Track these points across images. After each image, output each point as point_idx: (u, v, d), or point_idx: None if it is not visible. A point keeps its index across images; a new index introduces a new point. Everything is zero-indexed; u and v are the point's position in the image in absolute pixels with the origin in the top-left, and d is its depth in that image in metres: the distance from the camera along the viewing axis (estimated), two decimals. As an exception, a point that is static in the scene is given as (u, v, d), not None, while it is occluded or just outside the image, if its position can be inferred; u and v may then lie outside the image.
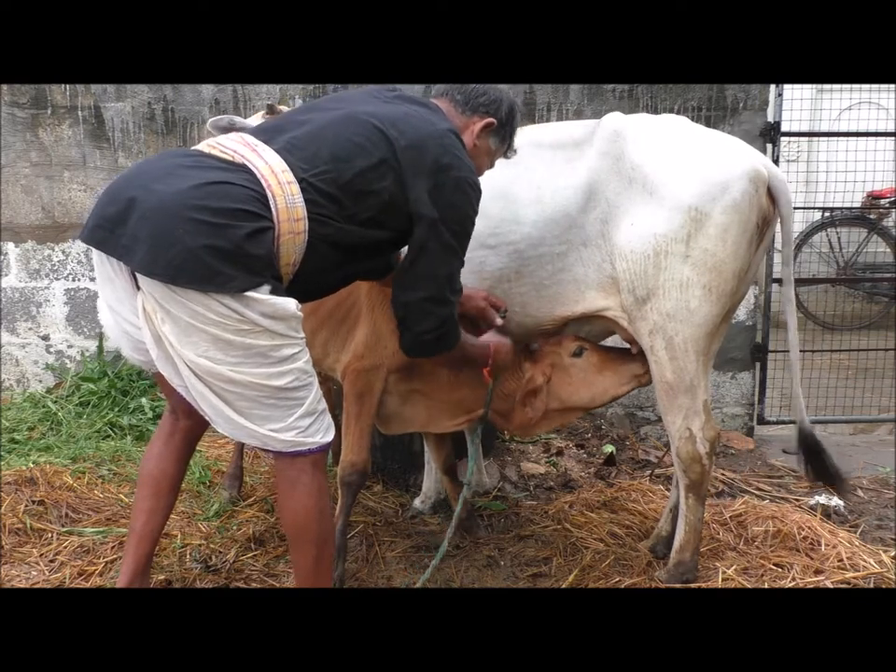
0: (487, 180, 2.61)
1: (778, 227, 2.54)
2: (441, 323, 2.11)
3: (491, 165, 2.31)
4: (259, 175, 1.81)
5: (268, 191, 1.80)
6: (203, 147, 1.91)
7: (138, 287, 1.83)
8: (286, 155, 1.87)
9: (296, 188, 1.83)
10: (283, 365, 1.85)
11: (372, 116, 1.95)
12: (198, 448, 3.60)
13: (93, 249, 1.87)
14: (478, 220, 2.58)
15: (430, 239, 2.01)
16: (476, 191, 2.09)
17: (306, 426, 1.92)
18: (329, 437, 1.99)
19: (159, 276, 1.73)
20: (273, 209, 1.80)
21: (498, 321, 2.49)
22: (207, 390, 1.85)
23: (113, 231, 1.76)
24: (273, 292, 1.81)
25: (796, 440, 2.67)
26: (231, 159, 1.85)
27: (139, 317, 1.85)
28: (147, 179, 1.79)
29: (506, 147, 2.29)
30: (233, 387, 1.84)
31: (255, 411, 1.87)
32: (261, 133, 1.95)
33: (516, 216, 2.53)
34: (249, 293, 1.76)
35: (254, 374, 1.82)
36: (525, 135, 2.66)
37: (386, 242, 2.05)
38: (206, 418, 1.94)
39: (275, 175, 1.82)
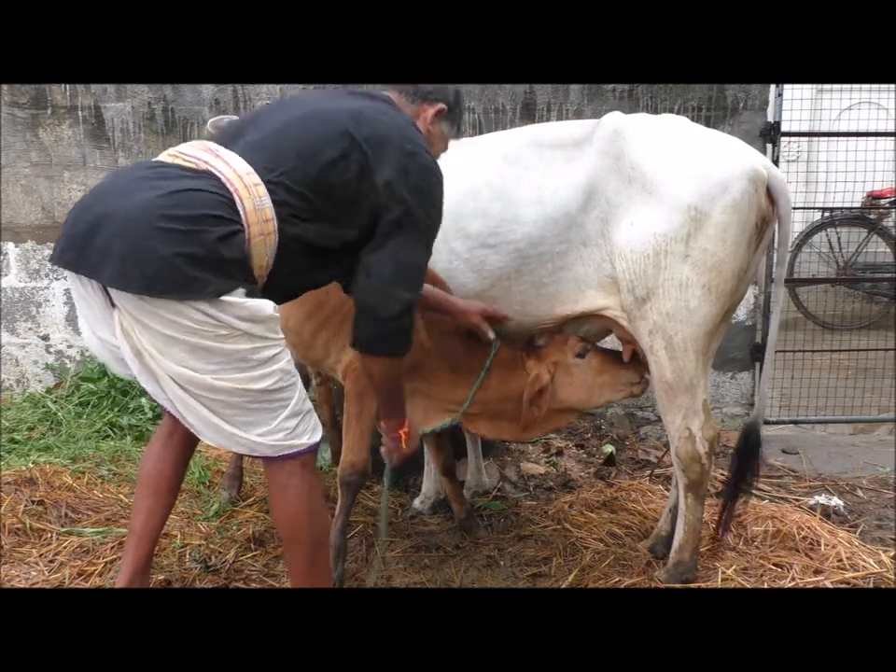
0: (487, 180, 2.62)
1: (777, 227, 2.55)
2: (403, 312, 2.01)
3: (445, 149, 2.33)
4: (224, 180, 1.80)
5: (235, 195, 1.80)
6: (165, 157, 1.89)
7: (113, 305, 1.81)
8: (249, 157, 1.86)
9: (262, 189, 1.83)
10: (265, 367, 1.85)
11: (333, 111, 1.95)
12: (198, 448, 3.61)
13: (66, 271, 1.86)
14: (478, 220, 2.59)
15: (397, 225, 1.98)
16: (440, 179, 2.08)
17: (293, 426, 1.92)
18: (317, 437, 1.99)
19: (132, 289, 1.72)
20: (241, 212, 1.80)
21: (490, 336, 2.52)
22: (192, 400, 1.85)
23: (82, 249, 1.75)
24: (248, 295, 1.81)
25: (741, 435, 2.68)
26: (194, 166, 1.83)
27: (116, 335, 1.84)
28: (112, 195, 1.78)
29: (455, 130, 2.32)
30: (217, 395, 1.83)
31: (240, 417, 1.87)
32: (222, 138, 1.95)
33: (517, 215, 2.54)
34: (225, 297, 1.76)
35: (236, 380, 1.82)
36: (526, 135, 2.67)
37: (356, 241, 2.02)
38: (192, 430, 1.92)
39: (241, 178, 1.82)
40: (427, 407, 2.69)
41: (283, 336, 1.91)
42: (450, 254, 2.68)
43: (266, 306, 1.83)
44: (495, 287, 2.60)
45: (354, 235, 2.00)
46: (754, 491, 2.80)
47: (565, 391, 2.59)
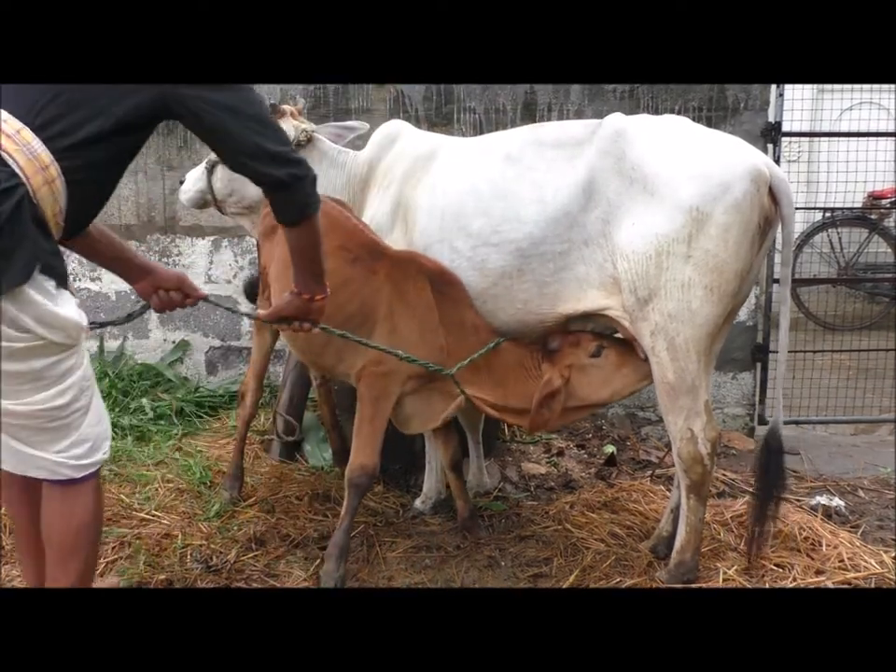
0: (489, 178, 2.63)
1: (779, 227, 2.54)
2: (291, 175, 1.89)
3: None
4: None
5: (2, 153, 1.64)
6: None
7: None
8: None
9: (28, 133, 1.67)
10: (62, 382, 1.77)
11: None
12: (198, 448, 3.63)
13: None
14: (480, 218, 2.61)
15: (217, 114, 1.84)
16: None
17: (95, 436, 1.88)
18: (108, 448, 1.94)
19: None
20: (16, 169, 1.64)
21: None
22: None
23: None
24: (45, 270, 1.69)
25: (763, 437, 2.64)
26: None
27: None
28: None
29: None
30: (14, 419, 1.76)
31: (37, 437, 1.80)
32: None
33: (518, 214, 2.54)
34: (27, 290, 1.65)
35: (34, 401, 1.75)
36: (527, 134, 2.67)
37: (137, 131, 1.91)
38: None
39: None
40: (443, 402, 2.71)
41: (80, 342, 1.82)
42: (452, 252, 2.69)
43: (71, 311, 1.75)
44: (497, 285, 2.61)
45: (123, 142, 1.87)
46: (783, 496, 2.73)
47: (584, 391, 2.58)
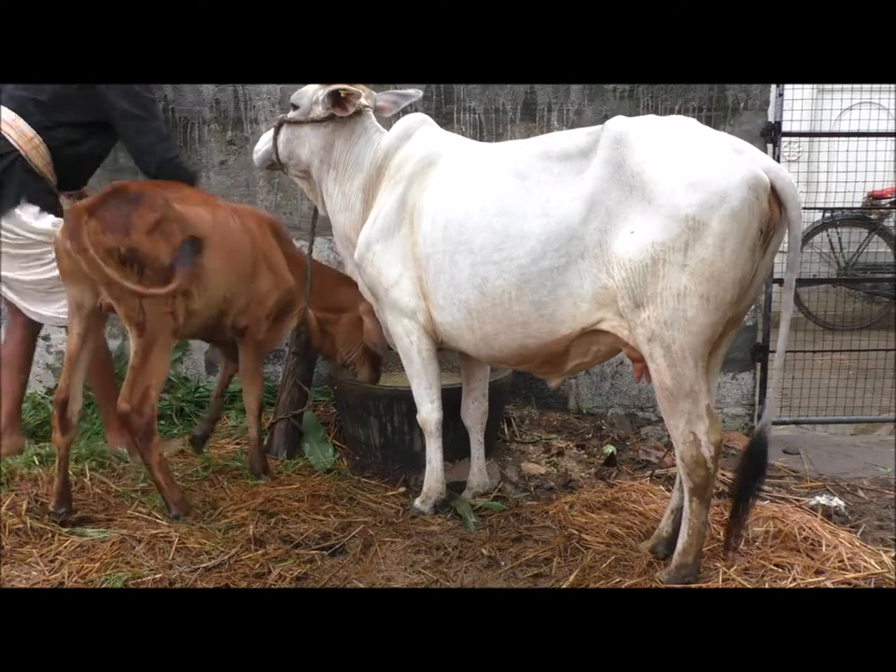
0: (495, 194, 2.62)
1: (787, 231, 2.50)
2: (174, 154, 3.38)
3: None
4: None
5: (3, 133, 3.10)
6: None
7: None
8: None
9: (20, 120, 3.14)
10: (51, 263, 3.06)
11: None
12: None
13: None
14: (484, 235, 2.60)
15: (122, 119, 3.23)
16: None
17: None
18: None
19: None
20: (13, 143, 3.12)
21: None
22: (9, 291, 3.28)
23: None
24: (32, 200, 3.15)
25: (752, 437, 2.59)
26: None
27: None
28: None
29: None
30: (25, 286, 3.24)
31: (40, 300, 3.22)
32: None
33: (522, 230, 2.54)
34: (16, 210, 3.13)
35: (35, 272, 3.20)
36: (536, 147, 2.66)
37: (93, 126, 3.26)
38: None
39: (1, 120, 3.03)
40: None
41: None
42: (452, 266, 2.69)
43: (44, 223, 3.17)
44: (496, 306, 2.62)
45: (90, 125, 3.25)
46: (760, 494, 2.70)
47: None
